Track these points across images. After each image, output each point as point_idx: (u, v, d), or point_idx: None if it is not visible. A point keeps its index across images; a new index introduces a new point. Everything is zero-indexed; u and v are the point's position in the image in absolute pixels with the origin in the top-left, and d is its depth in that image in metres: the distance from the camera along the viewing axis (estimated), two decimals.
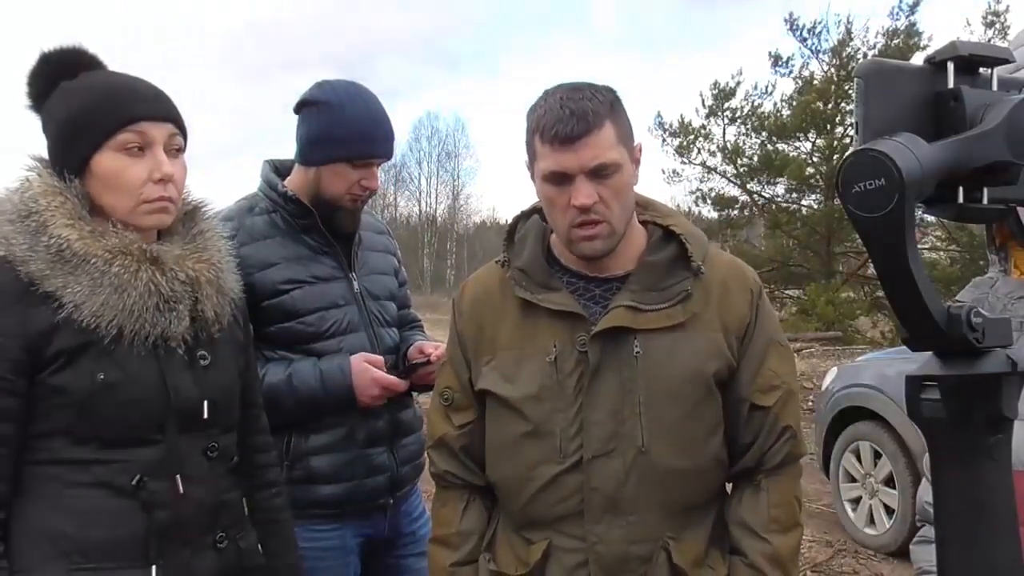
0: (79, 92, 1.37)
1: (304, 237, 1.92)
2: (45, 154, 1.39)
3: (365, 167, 1.88)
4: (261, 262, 1.84)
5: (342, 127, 1.85)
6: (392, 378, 1.89)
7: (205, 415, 1.40)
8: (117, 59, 1.49)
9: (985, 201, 0.71)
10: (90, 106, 1.35)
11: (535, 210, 1.55)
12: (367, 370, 1.85)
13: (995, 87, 0.71)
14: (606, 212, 1.37)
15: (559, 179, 1.37)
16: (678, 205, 17.19)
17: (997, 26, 15.10)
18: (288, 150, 1.98)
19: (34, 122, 1.42)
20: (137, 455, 1.33)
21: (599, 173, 1.35)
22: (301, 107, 1.92)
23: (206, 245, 1.47)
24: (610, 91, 1.41)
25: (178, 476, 1.36)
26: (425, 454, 1.93)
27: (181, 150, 1.42)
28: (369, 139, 1.87)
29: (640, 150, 1.45)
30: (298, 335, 1.87)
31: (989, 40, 12.46)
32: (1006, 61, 0.72)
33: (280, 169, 1.99)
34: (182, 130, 1.42)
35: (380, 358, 1.90)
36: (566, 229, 1.40)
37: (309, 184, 1.91)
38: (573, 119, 1.33)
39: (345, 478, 1.89)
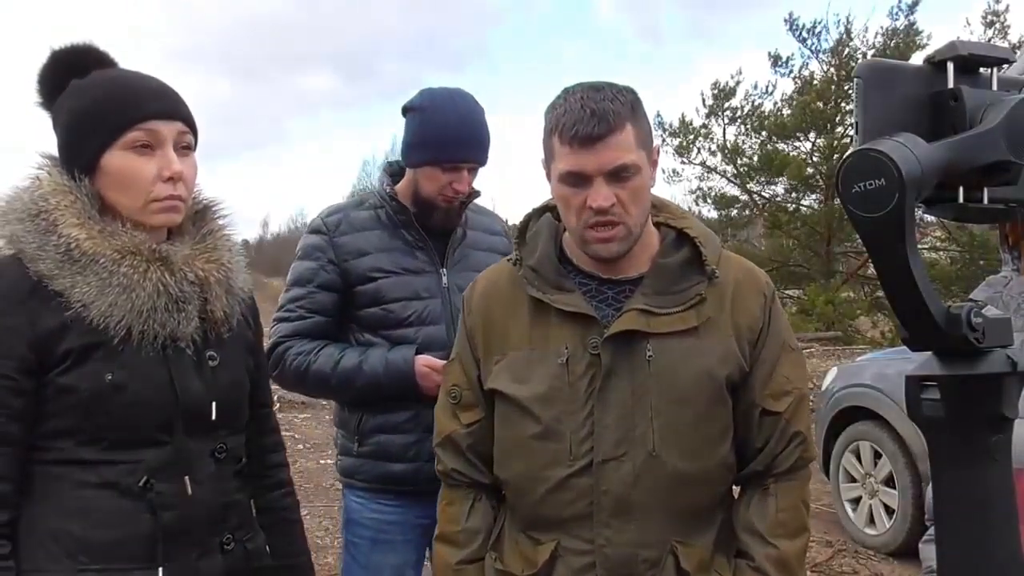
0: (89, 90, 1.36)
1: (403, 232, 2.07)
2: (55, 152, 1.39)
3: (454, 171, 1.99)
4: (356, 250, 2.03)
5: (431, 132, 1.98)
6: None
7: (213, 416, 1.40)
8: (116, 58, 1.48)
9: (985, 201, 0.71)
10: (100, 104, 1.35)
11: (547, 207, 1.53)
12: (429, 375, 1.94)
13: (995, 87, 0.72)
14: (623, 214, 1.36)
15: (576, 180, 1.35)
16: (678, 205, 17.08)
17: (997, 26, 15.07)
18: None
19: (42, 120, 1.41)
20: (145, 456, 1.33)
21: (618, 175, 1.34)
22: (405, 112, 2.06)
23: (216, 245, 1.46)
24: (631, 92, 1.39)
25: (186, 477, 1.35)
26: None
27: (191, 148, 1.41)
28: (454, 144, 1.97)
29: (658, 152, 1.44)
30: (382, 320, 2.02)
31: (989, 40, 12.45)
32: (1006, 61, 0.72)
33: (401, 170, 2.14)
34: (192, 128, 1.41)
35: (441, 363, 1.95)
36: (581, 230, 1.38)
37: (410, 184, 2.07)
38: (594, 120, 1.31)
39: (410, 458, 2.01)
